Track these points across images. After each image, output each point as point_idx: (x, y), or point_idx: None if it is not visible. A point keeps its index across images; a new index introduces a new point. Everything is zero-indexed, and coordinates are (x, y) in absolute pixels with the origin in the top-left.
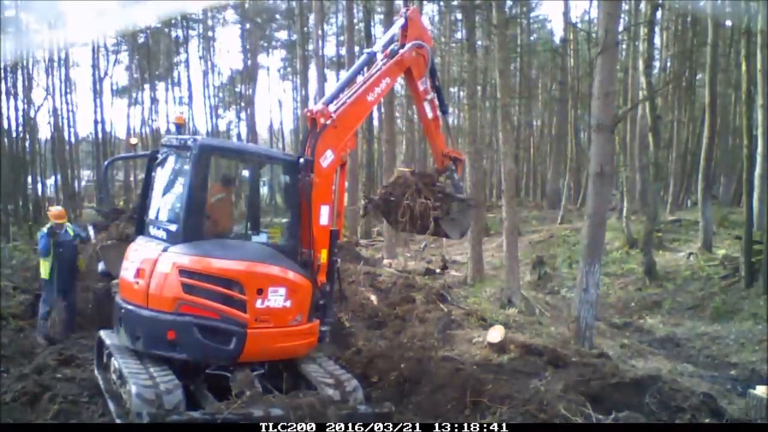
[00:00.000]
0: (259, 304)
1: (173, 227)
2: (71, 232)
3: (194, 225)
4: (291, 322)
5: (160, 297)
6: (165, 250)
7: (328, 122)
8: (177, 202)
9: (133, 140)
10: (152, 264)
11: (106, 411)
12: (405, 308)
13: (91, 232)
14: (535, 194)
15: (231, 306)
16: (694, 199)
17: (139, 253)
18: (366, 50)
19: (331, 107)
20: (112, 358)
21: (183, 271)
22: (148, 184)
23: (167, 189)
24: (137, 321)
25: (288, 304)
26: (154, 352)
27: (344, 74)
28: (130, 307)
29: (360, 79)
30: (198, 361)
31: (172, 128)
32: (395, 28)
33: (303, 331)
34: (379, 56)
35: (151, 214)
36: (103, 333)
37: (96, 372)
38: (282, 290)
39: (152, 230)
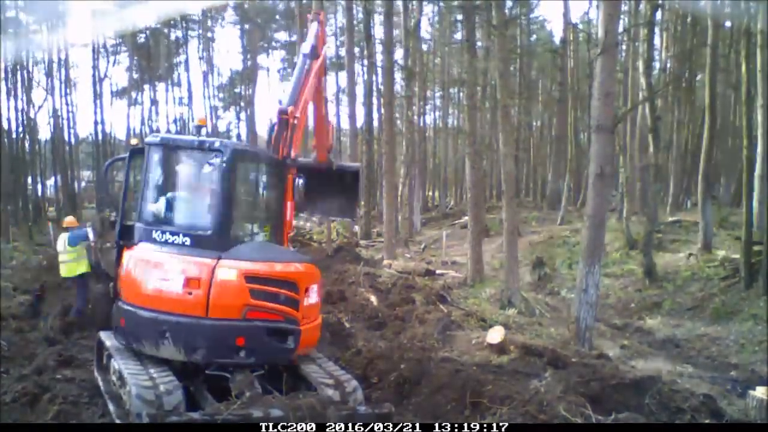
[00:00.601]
0: (305, 302)
1: (203, 232)
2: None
3: (228, 229)
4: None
5: (225, 305)
6: (219, 257)
7: (295, 122)
8: (202, 206)
9: (134, 141)
10: (209, 273)
11: (106, 412)
12: (405, 309)
13: (91, 234)
14: (535, 195)
15: (289, 306)
16: (694, 199)
17: (177, 262)
18: (302, 52)
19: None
20: (112, 360)
21: (249, 277)
22: (139, 186)
23: (180, 191)
24: (196, 332)
25: (317, 299)
26: (218, 361)
27: (294, 77)
28: (180, 319)
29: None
30: (263, 364)
31: (168, 127)
32: (314, 31)
33: (319, 325)
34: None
35: (151, 218)
36: (102, 334)
37: (96, 373)
38: (315, 287)
39: (163, 236)
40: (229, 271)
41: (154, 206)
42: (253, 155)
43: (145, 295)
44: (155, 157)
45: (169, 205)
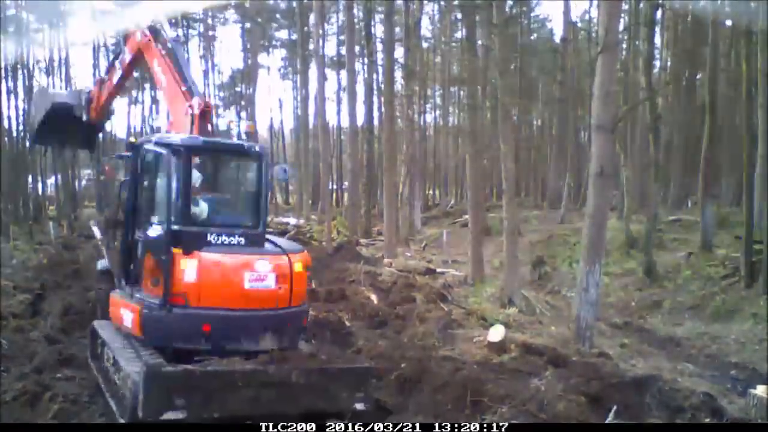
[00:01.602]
0: None
1: (254, 231)
2: None
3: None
4: None
5: (299, 295)
6: (285, 252)
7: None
8: (246, 205)
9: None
10: (288, 268)
11: (107, 411)
12: (405, 308)
13: (96, 230)
14: (536, 194)
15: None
16: (695, 198)
17: (263, 262)
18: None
19: None
20: (106, 348)
21: (307, 268)
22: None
23: (229, 192)
24: (286, 321)
25: None
26: (295, 343)
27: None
28: (276, 312)
29: None
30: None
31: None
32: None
33: None
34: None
35: (204, 220)
36: (96, 324)
37: (89, 361)
38: None
39: (219, 237)
40: (299, 264)
41: (200, 209)
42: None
43: (238, 297)
44: (192, 159)
45: (217, 207)
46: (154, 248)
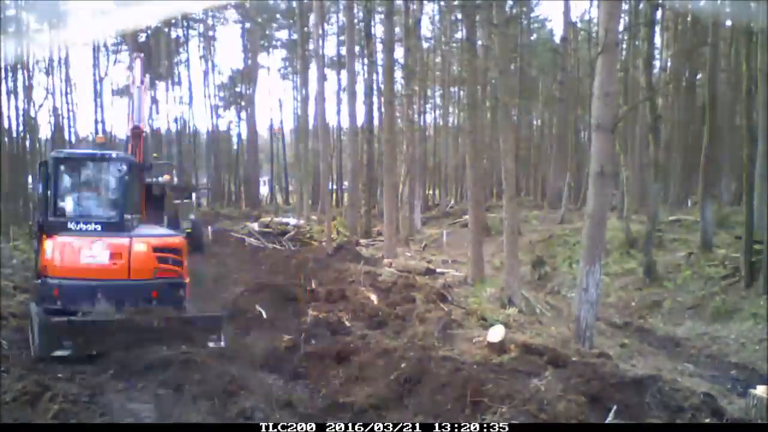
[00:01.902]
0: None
1: (114, 221)
2: None
3: (125, 217)
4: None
5: (140, 271)
6: (130, 236)
7: (145, 134)
8: (108, 201)
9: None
10: (127, 248)
11: (107, 411)
12: (405, 308)
13: None
14: (536, 194)
15: (180, 267)
16: (695, 198)
17: (99, 243)
18: (137, 86)
19: None
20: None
21: (156, 248)
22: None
23: (90, 191)
24: (122, 291)
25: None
26: (137, 308)
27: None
28: (108, 283)
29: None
30: (170, 308)
31: (169, 126)
32: (139, 67)
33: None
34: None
35: (69, 212)
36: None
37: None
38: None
39: (77, 225)
40: (141, 245)
41: (66, 204)
42: (133, 163)
43: (77, 270)
44: (63, 167)
45: (81, 202)
46: (35, 235)
